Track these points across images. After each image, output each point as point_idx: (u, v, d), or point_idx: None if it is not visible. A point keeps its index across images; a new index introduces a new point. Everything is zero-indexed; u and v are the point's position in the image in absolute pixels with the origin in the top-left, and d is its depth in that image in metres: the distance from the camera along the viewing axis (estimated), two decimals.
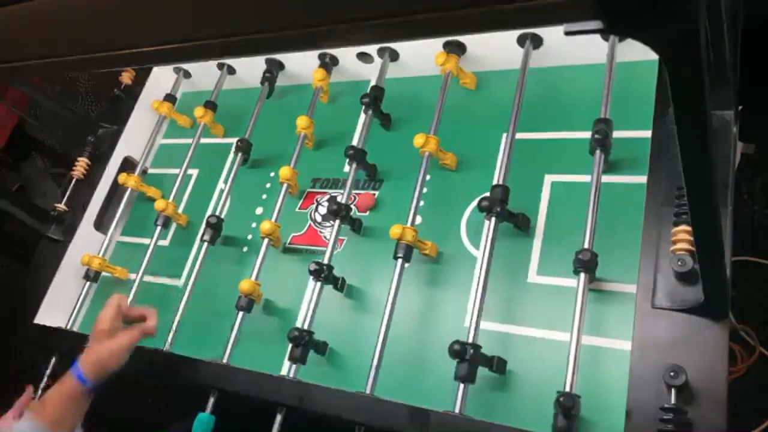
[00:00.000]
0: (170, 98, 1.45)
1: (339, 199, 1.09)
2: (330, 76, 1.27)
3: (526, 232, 0.98)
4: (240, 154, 1.26)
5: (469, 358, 0.83)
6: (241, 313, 1.07)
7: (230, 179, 1.25)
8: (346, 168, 1.18)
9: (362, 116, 1.19)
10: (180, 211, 1.35)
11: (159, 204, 1.26)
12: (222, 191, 1.26)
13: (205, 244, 1.18)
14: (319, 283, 1.02)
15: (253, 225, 1.26)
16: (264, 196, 1.29)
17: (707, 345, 0.76)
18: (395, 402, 0.86)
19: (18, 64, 0.54)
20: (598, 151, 0.90)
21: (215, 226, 1.19)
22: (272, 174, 1.30)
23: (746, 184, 1.48)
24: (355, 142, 1.14)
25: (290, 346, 0.99)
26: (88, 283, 1.29)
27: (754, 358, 1.29)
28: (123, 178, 1.35)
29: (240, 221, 1.27)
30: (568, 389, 0.76)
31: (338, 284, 1.05)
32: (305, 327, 0.99)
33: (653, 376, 0.76)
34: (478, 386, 0.88)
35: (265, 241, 1.12)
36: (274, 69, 1.32)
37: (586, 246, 0.84)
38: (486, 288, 0.88)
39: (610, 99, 0.93)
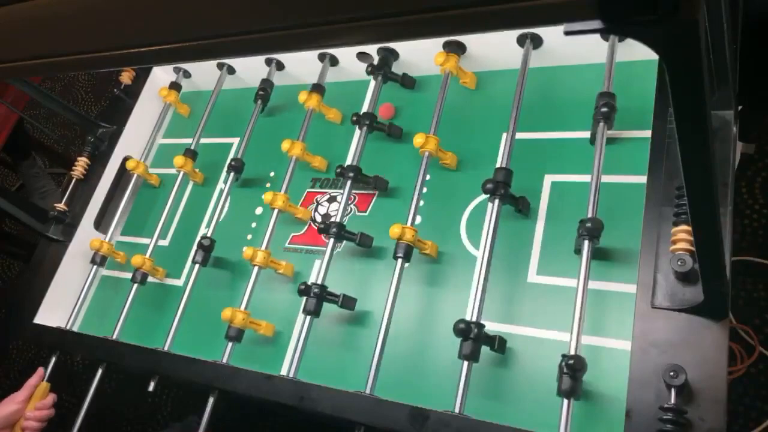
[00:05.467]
0: (176, 86, 1.46)
1: (335, 209, 1.09)
2: (323, 96, 1.25)
3: (526, 215, 0.98)
4: (233, 174, 1.24)
5: (473, 336, 0.83)
6: (230, 344, 1.05)
7: (229, 181, 1.25)
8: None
9: (372, 83, 1.18)
10: (179, 212, 1.35)
11: (136, 260, 1.22)
12: (222, 191, 1.25)
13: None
14: (332, 240, 1.03)
15: (254, 225, 1.26)
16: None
17: (707, 345, 0.76)
18: (395, 402, 0.86)
19: (17, 64, 0.54)
20: (602, 124, 0.90)
21: (207, 248, 1.19)
22: (272, 173, 1.30)
23: (746, 184, 1.49)
24: (350, 155, 1.13)
25: (303, 299, 1.00)
26: (87, 282, 1.29)
27: (753, 358, 1.29)
28: (132, 164, 1.36)
29: (240, 221, 1.27)
30: (564, 413, 0.76)
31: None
32: (318, 282, 1.01)
33: (653, 376, 0.76)
34: (478, 385, 0.89)
35: (255, 269, 1.10)
36: (268, 87, 1.31)
37: (585, 246, 0.84)
38: (486, 286, 0.88)
39: (612, 81, 0.94)
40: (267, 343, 1.11)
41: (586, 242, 0.84)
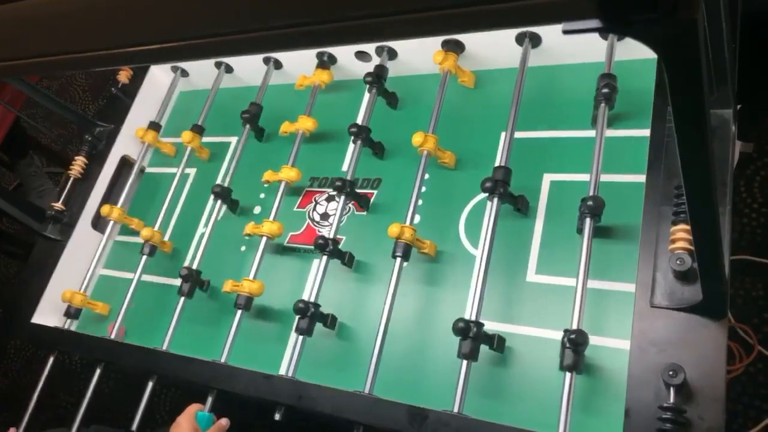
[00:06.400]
0: (155, 126, 1.42)
1: (333, 208, 1.09)
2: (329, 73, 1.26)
3: (525, 214, 0.98)
4: (219, 201, 1.24)
5: (472, 335, 0.83)
6: (239, 312, 1.06)
7: (229, 177, 1.24)
8: (345, 168, 1.18)
9: (366, 95, 1.19)
10: (177, 211, 1.35)
11: (145, 233, 1.24)
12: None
13: (205, 242, 1.18)
14: (325, 258, 1.02)
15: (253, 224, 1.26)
16: (262, 195, 1.29)
17: (706, 344, 0.76)
18: (394, 401, 0.86)
19: (15, 63, 0.54)
20: (603, 105, 0.91)
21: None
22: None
23: (745, 183, 1.49)
24: (345, 167, 1.15)
25: (297, 318, 1.00)
26: (84, 285, 1.28)
27: (752, 357, 1.29)
28: (106, 210, 1.33)
29: (240, 220, 1.27)
30: (567, 388, 0.76)
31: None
32: (311, 300, 1.00)
33: (652, 375, 0.76)
34: (477, 385, 0.88)
35: (264, 239, 1.11)
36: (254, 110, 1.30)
37: (585, 245, 0.84)
38: (485, 285, 0.88)
39: (612, 63, 0.94)
40: (266, 342, 1.11)
41: (588, 220, 0.84)
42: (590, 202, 0.85)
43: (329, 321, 1.03)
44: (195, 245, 1.29)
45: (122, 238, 1.42)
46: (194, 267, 1.17)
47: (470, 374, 0.84)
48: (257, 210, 1.28)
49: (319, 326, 1.01)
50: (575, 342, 0.77)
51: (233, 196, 1.26)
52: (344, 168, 1.21)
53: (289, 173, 1.16)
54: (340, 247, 1.12)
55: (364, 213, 1.14)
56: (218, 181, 1.35)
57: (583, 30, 0.33)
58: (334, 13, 0.37)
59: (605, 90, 0.92)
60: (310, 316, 0.99)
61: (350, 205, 1.16)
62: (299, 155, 1.20)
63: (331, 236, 1.05)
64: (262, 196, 1.29)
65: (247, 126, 1.28)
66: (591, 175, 0.88)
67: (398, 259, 0.96)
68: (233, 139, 1.38)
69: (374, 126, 1.15)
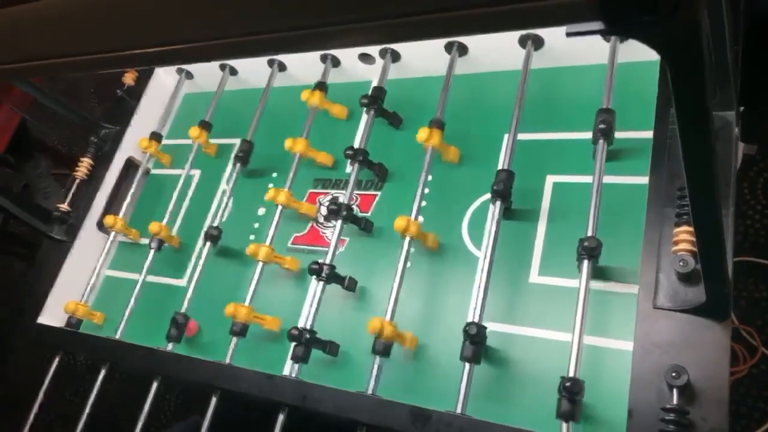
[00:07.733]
0: (156, 137, 1.42)
1: (341, 199, 1.09)
2: (326, 93, 1.24)
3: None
4: (239, 164, 1.26)
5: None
6: (234, 340, 1.05)
7: (232, 183, 1.25)
8: (348, 168, 1.18)
9: (364, 117, 1.19)
10: (182, 212, 1.36)
11: (153, 227, 1.25)
12: (225, 192, 1.26)
13: (208, 243, 1.19)
14: (321, 284, 1.01)
15: (256, 225, 1.27)
16: (266, 197, 1.29)
17: (709, 345, 0.76)
18: (397, 402, 0.86)
19: (20, 65, 0.54)
20: (601, 141, 0.90)
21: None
22: (275, 174, 1.31)
23: (748, 185, 1.48)
24: (357, 143, 1.14)
25: (292, 345, 0.99)
26: (89, 285, 1.29)
27: (756, 359, 1.29)
28: (110, 221, 1.33)
29: (242, 222, 1.28)
30: None
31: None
32: (307, 326, 0.99)
33: (655, 377, 0.76)
34: (479, 387, 0.89)
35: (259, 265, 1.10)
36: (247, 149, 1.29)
37: (582, 293, 0.83)
38: (488, 286, 0.88)
39: (611, 97, 0.93)
40: (270, 342, 1.11)
41: (585, 262, 0.82)
42: (587, 243, 0.82)
43: (328, 347, 1.01)
44: (200, 246, 1.30)
45: (127, 239, 1.42)
46: (198, 269, 1.17)
47: (473, 375, 0.84)
48: (261, 212, 1.28)
49: (324, 328, 1.01)
50: (571, 391, 0.75)
51: (237, 197, 1.26)
52: (347, 170, 1.21)
53: (297, 145, 1.17)
54: (342, 250, 1.13)
55: (368, 214, 1.14)
56: (223, 184, 1.36)
57: (586, 32, 0.33)
58: (339, 15, 0.37)
59: (602, 126, 0.89)
60: (305, 343, 0.97)
61: (354, 206, 1.16)
62: (302, 157, 1.20)
63: (328, 261, 1.03)
64: (266, 198, 1.29)
65: (238, 165, 1.27)
66: (591, 209, 0.84)
67: (402, 257, 0.96)
68: (237, 141, 1.39)
69: (378, 129, 1.15)
